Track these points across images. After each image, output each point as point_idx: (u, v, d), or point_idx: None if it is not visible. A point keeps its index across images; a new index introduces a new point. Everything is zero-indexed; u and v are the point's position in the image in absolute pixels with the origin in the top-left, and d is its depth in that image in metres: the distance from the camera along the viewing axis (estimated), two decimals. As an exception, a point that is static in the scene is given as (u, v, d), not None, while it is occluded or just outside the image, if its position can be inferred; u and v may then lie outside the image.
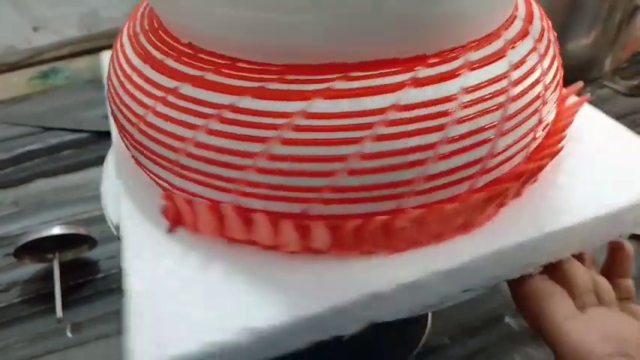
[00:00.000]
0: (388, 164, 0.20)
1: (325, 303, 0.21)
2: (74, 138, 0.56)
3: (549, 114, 0.25)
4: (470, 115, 0.21)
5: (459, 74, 0.21)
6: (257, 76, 0.21)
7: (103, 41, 0.75)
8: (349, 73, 0.20)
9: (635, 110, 0.56)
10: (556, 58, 0.25)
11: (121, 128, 0.25)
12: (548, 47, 0.25)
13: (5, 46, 0.71)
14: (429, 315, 0.37)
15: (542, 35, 0.25)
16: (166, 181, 0.24)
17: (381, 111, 0.20)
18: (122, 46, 0.26)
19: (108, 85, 0.26)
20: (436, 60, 0.21)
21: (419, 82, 0.21)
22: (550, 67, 0.24)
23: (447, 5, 0.20)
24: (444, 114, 0.20)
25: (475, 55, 0.22)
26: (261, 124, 0.20)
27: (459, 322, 0.37)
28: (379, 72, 0.21)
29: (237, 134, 0.21)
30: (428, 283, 0.22)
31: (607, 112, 0.55)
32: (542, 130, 0.25)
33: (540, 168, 0.25)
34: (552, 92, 0.24)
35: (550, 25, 0.26)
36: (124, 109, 0.24)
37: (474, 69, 0.21)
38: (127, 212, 0.25)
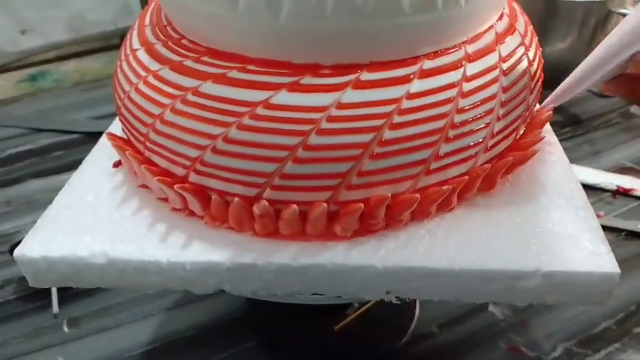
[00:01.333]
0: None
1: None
2: (64, 139, 0.57)
3: (534, 103, 0.27)
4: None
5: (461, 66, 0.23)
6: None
7: (91, 44, 0.76)
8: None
9: (610, 110, 0.59)
10: (538, 49, 0.27)
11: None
12: (532, 39, 0.27)
13: (-7, 49, 0.71)
14: (417, 304, 0.39)
15: (527, 29, 0.26)
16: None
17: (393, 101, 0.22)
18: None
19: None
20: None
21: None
22: (534, 58, 0.26)
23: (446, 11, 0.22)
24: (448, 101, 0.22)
25: (470, 48, 0.24)
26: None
27: (446, 311, 0.38)
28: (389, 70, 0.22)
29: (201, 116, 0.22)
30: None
31: (583, 113, 0.58)
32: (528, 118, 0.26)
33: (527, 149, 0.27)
34: (537, 81, 0.26)
35: (528, 19, 0.28)
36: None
37: (472, 61, 0.23)
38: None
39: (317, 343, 0.37)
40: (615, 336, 0.37)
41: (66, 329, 0.38)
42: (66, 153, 0.55)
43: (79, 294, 0.40)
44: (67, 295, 0.40)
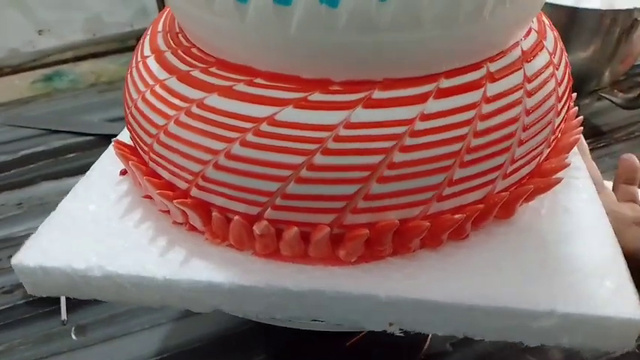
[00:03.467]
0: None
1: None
2: (78, 141, 0.57)
3: (561, 125, 0.25)
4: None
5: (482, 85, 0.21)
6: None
7: (107, 46, 0.76)
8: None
9: (633, 122, 0.57)
10: (568, 68, 0.26)
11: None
12: (561, 57, 0.25)
13: (9, 49, 0.71)
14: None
15: (556, 46, 0.25)
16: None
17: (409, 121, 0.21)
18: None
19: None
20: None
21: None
22: (563, 78, 0.25)
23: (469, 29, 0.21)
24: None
25: (493, 67, 0.22)
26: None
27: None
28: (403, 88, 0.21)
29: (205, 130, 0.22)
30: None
31: (605, 124, 0.56)
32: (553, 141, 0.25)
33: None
34: (565, 103, 0.25)
35: (558, 34, 0.27)
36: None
37: (494, 80, 0.22)
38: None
39: (328, 359, 0.36)
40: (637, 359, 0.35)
41: (74, 337, 0.38)
42: (79, 155, 0.55)
43: (88, 301, 0.40)
44: (76, 302, 0.40)
